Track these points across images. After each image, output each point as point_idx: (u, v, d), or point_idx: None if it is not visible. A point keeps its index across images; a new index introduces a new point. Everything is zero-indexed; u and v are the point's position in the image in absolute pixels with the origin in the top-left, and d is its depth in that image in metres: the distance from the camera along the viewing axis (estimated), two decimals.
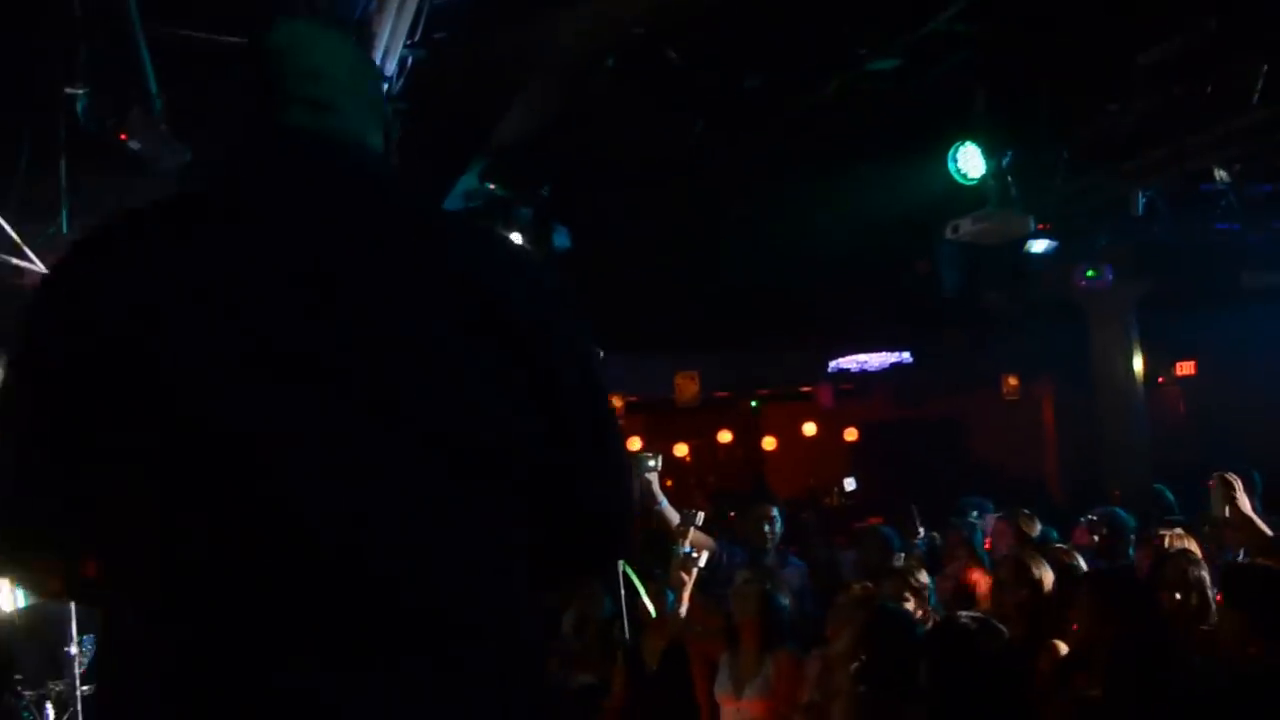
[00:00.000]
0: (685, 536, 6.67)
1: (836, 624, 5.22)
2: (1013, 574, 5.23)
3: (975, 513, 8.74)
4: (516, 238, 8.30)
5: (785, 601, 5.86)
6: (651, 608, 6.33)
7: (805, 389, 18.96)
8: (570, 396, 1.60)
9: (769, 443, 20.53)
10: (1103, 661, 4.07)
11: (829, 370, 16.91)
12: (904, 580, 5.40)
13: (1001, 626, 4.20)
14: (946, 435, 19.69)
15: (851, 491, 19.67)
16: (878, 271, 11.82)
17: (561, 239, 8.15)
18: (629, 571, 6.44)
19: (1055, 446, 17.86)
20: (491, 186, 8.04)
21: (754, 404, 20.32)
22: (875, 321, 14.37)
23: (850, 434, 20.20)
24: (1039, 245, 8.86)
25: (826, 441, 20.10)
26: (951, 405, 19.62)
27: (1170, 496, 8.80)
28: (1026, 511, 7.46)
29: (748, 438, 20.76)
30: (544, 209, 8.18)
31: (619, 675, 7.13)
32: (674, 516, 6.89)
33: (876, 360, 16.54)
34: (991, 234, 7.85)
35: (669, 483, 21.00)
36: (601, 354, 4.63)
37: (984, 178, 8.21)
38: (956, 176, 8.43)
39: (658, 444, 20.30)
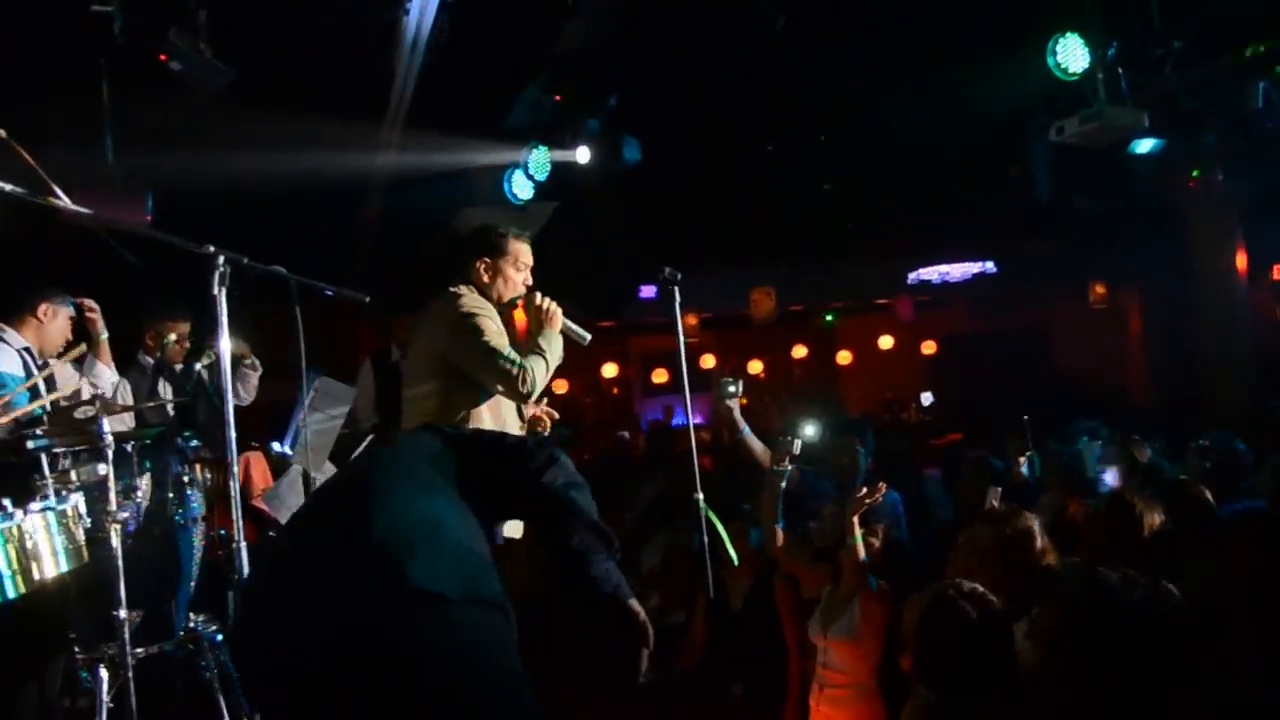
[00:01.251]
0: (783, 463, 6.16)
1: (957, 568, 4.72)
2: (1111, 514, 4.61)
3: (1085, 438, 8.14)
4: (583, 152, 7.81)
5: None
6: (734, 554, 5.94)
7: (882, 301, 18.33)
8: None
9: (844, 357, 19.99)
10: (1245, 633, 3.45)
11: (908, 282, 16.22)
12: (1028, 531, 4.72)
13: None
14: (1028, 347, 19.05)
15: (929, 406, 19.23)
16: (964, 178, 11.11)
17: (632, 152, 7.63)
18: (710, 515, 6.05)
19: (1144, 357, 17.12)
20: (557, 98, 7.52)
21: (828, 318, 19.73)
22: (960, 230, 13.63)
23: (928, 347, 19.61)
24: (1144, 145, 8.14)
25: (903, 355, 19.54)
26: (1033, 316, 18.97)
27: None
28: (1136, 437, 6.91)
29: (823, 352, 20.23)
30: (612, 120, 7.65)
31: (700, 615, 6.79)
32: (758, 446, 6.53)
33: (959, 271, 15.80)
34: (1102, 133, 7.17)
35: (743, 401, 20.68)
36: (678, 275, 4.14)
37: (1086, 72, 7.52)
38: (1056, 72, 7.75)
39: (730, 360, 19.90)
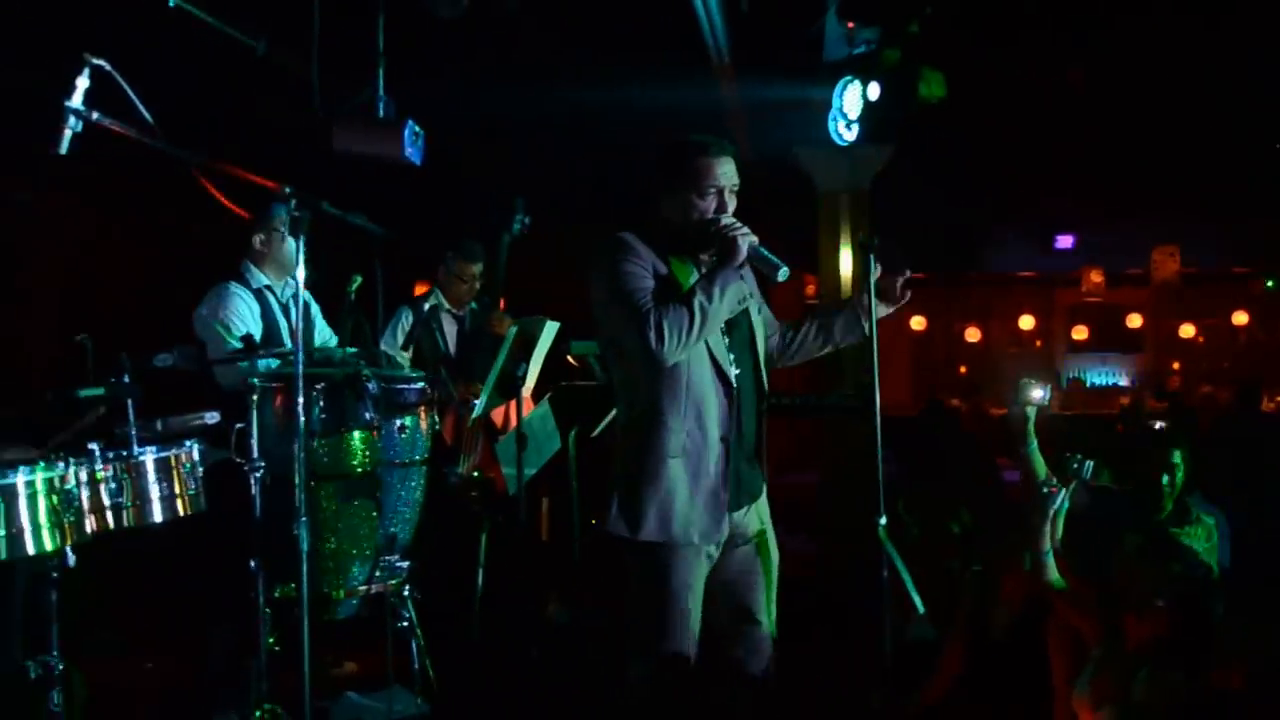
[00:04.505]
0: (1066, 484, 5.16)
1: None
2: None
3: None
4: (874, 89, 6.88)
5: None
6: (918, 600, 4.95)
7: None
8: None
9: None
10: None
11: None
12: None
13: None
14: None
15: None
16: None
17: (933, 87, 6.56)
18: (891, 549, 4.98)
19: None
20: (849, 25, 6.61)
21: (1269, 284, 16.86)
22: None
23: None
24: None
25: None
26: None
27: None
28: None
29: (1270, 320, 17.48)
30: (916, 49, 6.65)
31: (956, 643, 5.75)
32: (1040, 467, 5.48)
33: None
34: None
35: (1176, 365, 18.31)
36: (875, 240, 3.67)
37: None
38: None
39: (1161, 321, 17.67)
